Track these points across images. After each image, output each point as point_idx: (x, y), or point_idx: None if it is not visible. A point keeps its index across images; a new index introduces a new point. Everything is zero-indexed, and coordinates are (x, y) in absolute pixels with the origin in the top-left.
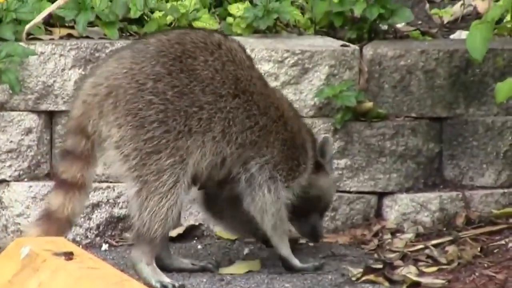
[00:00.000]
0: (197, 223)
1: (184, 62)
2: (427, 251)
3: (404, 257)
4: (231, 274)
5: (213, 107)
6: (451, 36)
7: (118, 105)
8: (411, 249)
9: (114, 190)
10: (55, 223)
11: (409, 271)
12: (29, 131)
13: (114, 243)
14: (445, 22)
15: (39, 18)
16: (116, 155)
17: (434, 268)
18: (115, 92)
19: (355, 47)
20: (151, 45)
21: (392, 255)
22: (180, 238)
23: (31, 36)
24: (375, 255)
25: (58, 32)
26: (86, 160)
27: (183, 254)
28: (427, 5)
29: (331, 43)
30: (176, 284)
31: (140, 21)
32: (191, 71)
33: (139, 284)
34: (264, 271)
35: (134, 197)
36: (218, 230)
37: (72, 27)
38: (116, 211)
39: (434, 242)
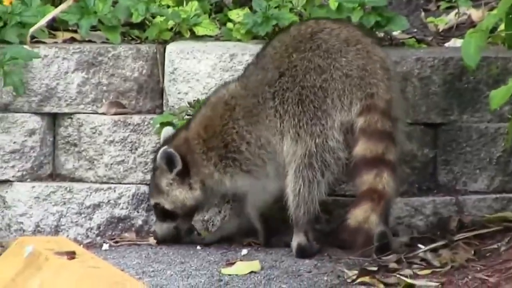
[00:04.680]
0: None
1: None
2: (421, 254)
3: (398, 260)
4: (230, 274)
5: None
6: (446, 44)
7: None
8: (405, 253)
9: (115, 191)
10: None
11: (403, 274)
12: (32, 132)
13: (113, 243)
14: (440, 30)
15: (43, 21)
16: None
17: (427, 271)
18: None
19: None
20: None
21: (386, 258)
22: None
23: (35, 40)
24: (370, 258)
25: (62, 35)
26: None
27: (183, 255)
28: (423, 14)
29: None
30: None
31: (141, 26)
32: None
33: (139, 283)
34: (261, 272)
35: None
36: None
37: (75, 31)
38: (117, 212)
39: (428, 245)
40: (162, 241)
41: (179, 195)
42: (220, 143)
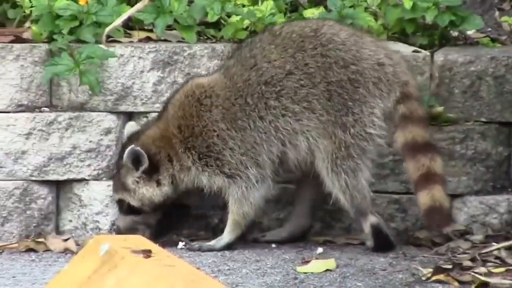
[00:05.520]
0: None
1: None
2: (495, 252)
3: (473, 258)
4: (305, 273)
5: None
6: None
7: None
8: (480, 251)
9: None
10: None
11: (478, 272)
12: (108, 131)
13: (189, 241)
14: None
15: (118, 21)
16: None
17: (502, 269)
18: None
19: (426, 53)
20: None
21: (461, 256)
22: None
23: (111, 39)
24: (445, 256)
25: (137, 35)
26: None
27: (258, 253)
28: (497, 13)
29: (403, 49)
30: None
31: (217, 25)
32: None
33: (215, 282)
34: (336, 270)
35: None
36: None
37: (151, 30)
38: (193, 211)
39: (502, 243)
40: (125, 232)
41: (146, 192)
42: (201, 143)
